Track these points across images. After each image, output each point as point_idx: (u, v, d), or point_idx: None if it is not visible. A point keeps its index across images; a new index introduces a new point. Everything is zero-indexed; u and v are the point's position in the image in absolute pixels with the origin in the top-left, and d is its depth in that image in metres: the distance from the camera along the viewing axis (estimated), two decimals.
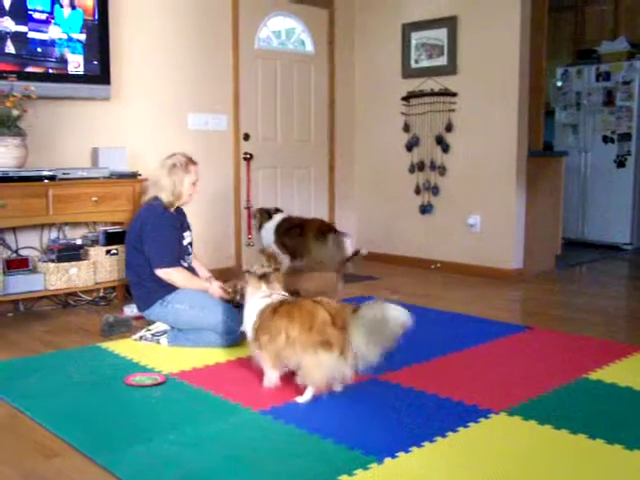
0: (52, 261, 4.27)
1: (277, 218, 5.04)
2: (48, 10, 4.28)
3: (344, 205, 6.49)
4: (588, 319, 4.22)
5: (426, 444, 2.36)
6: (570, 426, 2.50)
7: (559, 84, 7.59)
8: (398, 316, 2.63)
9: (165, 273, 3.58)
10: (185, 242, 3.76)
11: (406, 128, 6.06)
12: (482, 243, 5.60)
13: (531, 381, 3.03)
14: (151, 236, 3.57)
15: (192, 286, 3.64)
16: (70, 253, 4.33)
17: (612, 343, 3.65)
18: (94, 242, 4.54)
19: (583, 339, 3.74)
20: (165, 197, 3.65)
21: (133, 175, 4.57)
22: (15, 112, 4.03)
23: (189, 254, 3.81)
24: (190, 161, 3.71)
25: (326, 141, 6.33)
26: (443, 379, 3.06)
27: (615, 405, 2.76)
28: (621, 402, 2.79)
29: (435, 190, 5.89)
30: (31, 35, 4.25)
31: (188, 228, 3.84)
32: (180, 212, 3.82)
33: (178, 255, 3.66)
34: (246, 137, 5.65)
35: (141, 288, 3.66)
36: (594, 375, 3.09)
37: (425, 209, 5.97)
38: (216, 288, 3.69)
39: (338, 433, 2.44)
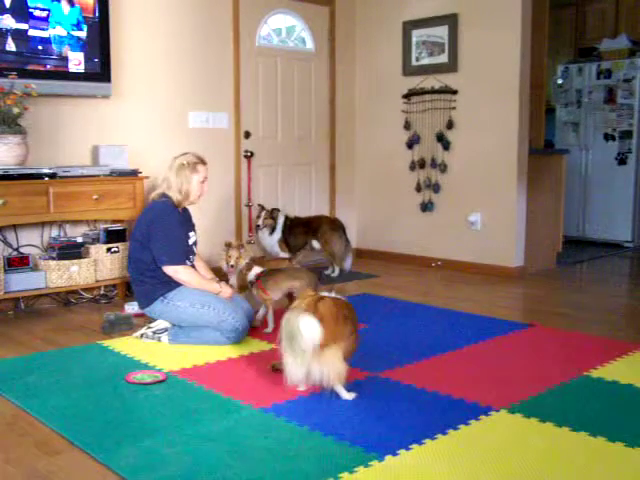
0: (53, 259, 4.27)
1: (280, 220, 5.40)
2: (48, 8, 4.28)
3: (345, 203, 6.48)
4: (589, 317, 4.22)
5: (427, 441, 2.36)
6: (571, 424, 2.50)
7: (560, 82, 7.58)
8: (306, 335, 2.56)
9: (173, 271, 3.57)
10: (190, 242, 3.76)
11: (407, 126, 6.05)
12: (483, 241, 5.60)
13: (532, 378, 3.03)
14: (160, 233, 3.56)
15: (201, 287, 3.62)
16: (71, 251, 4.33)
17: (613, 341, 3.64)
18: (95, 240, 4.55)
19: (584, 337, 3.73)
20: (174, 195, 3.67)
21: (134, 173, 4.56)
22: (16, 110, 4.03)
23: (193, 254, 3.80)
24: (199, 160, 3.73)
25: (327, 139, 6.33)
26: (444, 376, 3.06)
27: (616, 403, 2.76)
28: (622, 400, 2.79)
29: (436, 188, 5.88)
30: (32, 33, 4.24)
31: (193, 228, 3.85)
32: (186, 212, 3.83)
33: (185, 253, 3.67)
34: (247, 135, 5.65)
35: (142, 285, 3.65)
36: (595, 373, 3.09)
37: (426, 207, 5.97)
38: (228, 290, 3.68)
39: (339, 430, 2.45)
